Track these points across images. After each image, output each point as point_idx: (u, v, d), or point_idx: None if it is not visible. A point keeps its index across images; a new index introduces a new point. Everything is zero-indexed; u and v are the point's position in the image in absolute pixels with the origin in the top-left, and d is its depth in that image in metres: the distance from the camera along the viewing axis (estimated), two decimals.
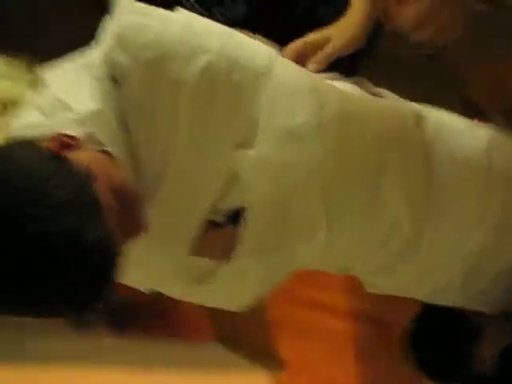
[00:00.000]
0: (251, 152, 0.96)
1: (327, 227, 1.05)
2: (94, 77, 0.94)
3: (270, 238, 1.02)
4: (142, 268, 1.05)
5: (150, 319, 4.34)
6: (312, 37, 1.17)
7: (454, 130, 1.21)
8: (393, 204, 1.10)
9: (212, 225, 1.02)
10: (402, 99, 1.20)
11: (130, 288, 1.14)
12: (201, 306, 1.27)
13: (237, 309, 1.21)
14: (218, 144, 0.96)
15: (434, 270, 1.25)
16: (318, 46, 1.16)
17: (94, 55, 0.97)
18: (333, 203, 1.04)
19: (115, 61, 0.92)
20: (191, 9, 1.32)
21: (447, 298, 1.34)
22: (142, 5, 0.96)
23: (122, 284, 1.03)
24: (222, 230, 1.02)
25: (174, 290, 1.17)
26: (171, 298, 1.21)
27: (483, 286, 1.30)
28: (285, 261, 1.09)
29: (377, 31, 1.38)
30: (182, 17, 0.99)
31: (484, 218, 1.21)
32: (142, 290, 1.19)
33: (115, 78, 0.94)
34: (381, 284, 1.32)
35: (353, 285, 2.83)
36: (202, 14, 1.10)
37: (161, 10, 0.98)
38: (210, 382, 1.83)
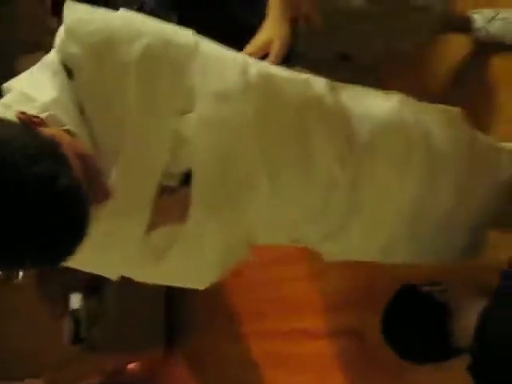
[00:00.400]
0: (192, 115, 1.11)
1: (268, 181, 1.18)
2: (51, 72, 1.07)
3: (218, 193, 1.14)
4: (108, 251, 1.14)
5: None
6: (256, 42, 1.37)
7: (367, 95, 1.38)
8: (322, 157, 1.25)
9: (168, 190, 1.12)
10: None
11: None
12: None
13: (200, 285, 1.29)
14: (164, 112, 1.10)
15: (378, 226, 1.38)
16: (264, 49, 1.34)
17: (50, 56, 1.11)
18: (269, 157, 1.18)
19: (67, 51, 1.07)
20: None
21: (398, 254, 1.46)
22: (85, 5, 1.11)
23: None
24: (176, 194, 1.14)
25: (139, 272, 1.25)
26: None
27: (427, 236, 1.44)
28: (236, 219, 1.20)
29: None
30: (122, 12, 1.15)
31: (410, 167, 1.36)
32: (111, 277, 1.26)
33: (68, 69, 1.07)
34: (333, 249, 1.43)
35: (322, 306, 2.92)
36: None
37: (103, 9, 1.13)
38: None
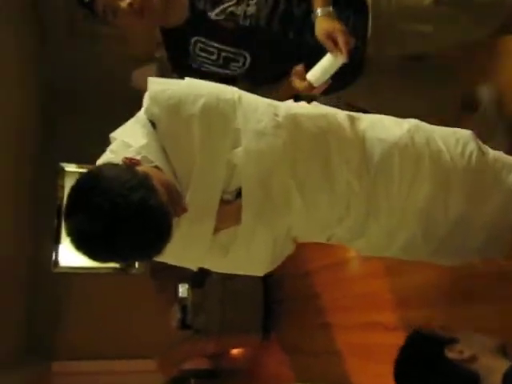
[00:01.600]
0: (239, 149, 1.49)
1: (300, 196, 1.54)
2: (142, 125, 1.50)
3: (260, 202, 1.51)
4: (188, 248, 1.54)
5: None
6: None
7: (383, 123, 1.70)
8: (342, 175, 1.58)
9: (226, 202, 1.51)
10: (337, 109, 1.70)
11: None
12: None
13: (258, 272, 1.66)
14: (219, 149, 1.49)
15: (396, 227, 1.67)
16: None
17: (140, 113, 1.53)
18: (299, 178, 1.55)
19: (151, 111, 1.49)
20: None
21: (416, 252, 1.74)
22: (163, 79, 1.54)
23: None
24: (233, 205, 1.51)
25: (211, 263, 1.64)
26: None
27: (441, 236, 1.69)
28: (278, 222, 1.56)
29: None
30: (187, 80, 1.56)
31: (421, 181, 1.64)
32: (192, 268, 1.65)
33: (153, 123, 1.49)
34: (361, 247, 1.76)
35: (397, 301, 3.14)
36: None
37: (174, 80, 1.56)
38: None
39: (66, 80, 5.04)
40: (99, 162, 1.46)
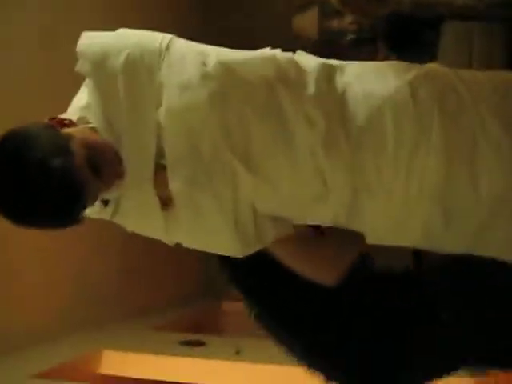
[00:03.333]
0: (163, 106, 1.34)
1: (240, 162, 1.31)
2: (85, 84, 1.44)
3: (192, 170, 1.33)
4: (146, 222, 1.45)
5: None
6: None
7: (377, 73, 1.37)
8: (303, 141, 1.30)
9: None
10: None
11: None
12: None
13: (233, 252, 1.40)
14: (146, 106, 1.35)
15: (403, 215, 1.34)
16: None
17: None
18: (234, 139, 1.32)
19: (84, 68, 1.40)
20: None
21: (443, 244, 1.37)
22: (97, 32, 1.43)
23: None
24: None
25: (184, 242, 1.44)
26: None
27: (470, 224, 1.33)
28: (222, 192, 1.33)
29: None
30: (118, 31, 1.45)
31: (428, 148, 1.29)
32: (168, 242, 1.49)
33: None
34: (367, 233, 1.38)
35: None
36: None
37: (102, 32, 1.44)
38: None
39: None
40: None
